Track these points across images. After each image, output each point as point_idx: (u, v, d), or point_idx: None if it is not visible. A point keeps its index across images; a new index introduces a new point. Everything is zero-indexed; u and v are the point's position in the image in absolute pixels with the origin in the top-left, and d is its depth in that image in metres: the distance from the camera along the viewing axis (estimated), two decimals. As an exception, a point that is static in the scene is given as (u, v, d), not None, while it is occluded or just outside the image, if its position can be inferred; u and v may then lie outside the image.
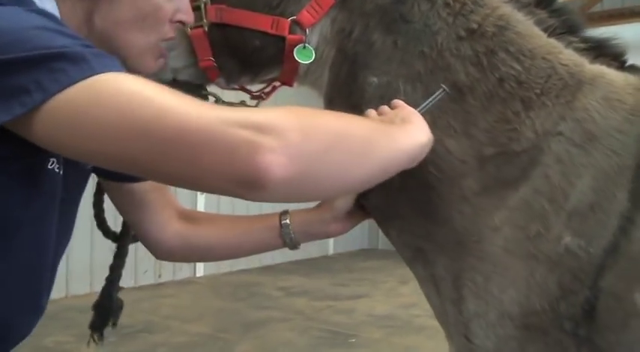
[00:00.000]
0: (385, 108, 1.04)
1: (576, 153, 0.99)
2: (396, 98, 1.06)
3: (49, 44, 0.75)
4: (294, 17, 1.12)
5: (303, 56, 1.13)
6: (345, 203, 1.19)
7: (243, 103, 1.26)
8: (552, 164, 1.00)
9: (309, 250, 8.40)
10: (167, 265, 6.75)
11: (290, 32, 1.12)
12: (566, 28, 1.12)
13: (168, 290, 6.36)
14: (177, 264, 6.89)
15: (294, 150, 0.71)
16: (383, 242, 9.95)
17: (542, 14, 1.12)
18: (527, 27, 1.09)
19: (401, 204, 1.11)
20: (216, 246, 1.27)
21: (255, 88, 1.32)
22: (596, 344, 0.92)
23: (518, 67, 1.05)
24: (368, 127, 0.87)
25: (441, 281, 1.09)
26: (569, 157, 0.99)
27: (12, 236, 0.91)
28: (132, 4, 0.96)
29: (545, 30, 1.10)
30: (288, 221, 1.22)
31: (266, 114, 0.73)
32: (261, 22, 1.13)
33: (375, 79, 1.09)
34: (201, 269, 7.17)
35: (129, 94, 0.73)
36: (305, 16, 1.12)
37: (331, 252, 9.24)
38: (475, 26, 1.07)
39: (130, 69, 1.00)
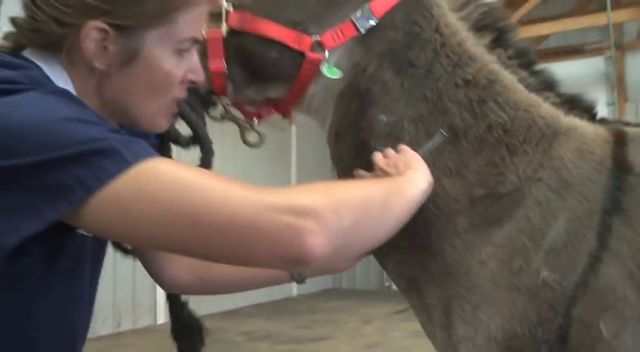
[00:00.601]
0: (390, 151, 1.14)
1: (553, 198, 1.12)
2: (402, 136, 1.18)
3: (81, 138, 0.78)
4: (318, 38, 1.18)
5: (332, 72, 1.19)
6: None
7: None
8: (533, 206, 1.12)
9: (272, 292, 8.33)
10: (127, 313, 6.60)
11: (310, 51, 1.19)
12: (543, 86, 1.25)
13: (128, 339, 6.21)
14: (137, 312, 6.74)
15: (330, 230, 0.79)
16: (347, 280, 9.95)
17: (524, 73, 1.25)
18: (512, 82, 1.22)
19: (401, 238, 1.18)
20: (229, 280, 1.30)
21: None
22: None
23: (505, 117, 1.17)
24: (383, 190, 0.98)
25: (433, 308, 1.19)
26: (547, 201, 1.12)
27: (42, 298, 0.93)
28: (143, 75, 0.97)
29: (526, 87, 1.24)
30: None
31: (302, 197, 0.82)
32: (285, 34, 1.18)
33: (384, 117, 1.19)
34: (162, 316, 7.01)
35: (171, 184, 0.79)
36: (328, 38, 1.19)
37: (295, 293, 9.18)
38: (470, 77, 1.19)
39: (145, 129, 1.05)
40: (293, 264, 0.80)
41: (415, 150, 1.14)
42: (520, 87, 1.23)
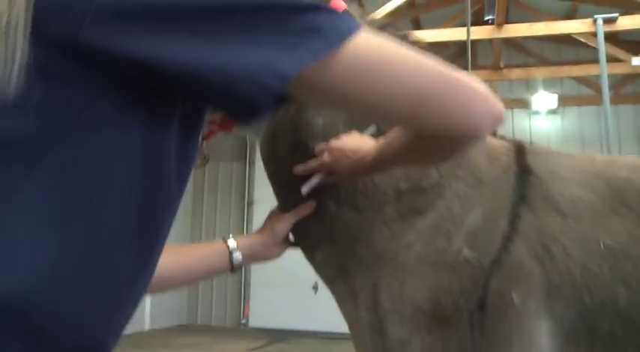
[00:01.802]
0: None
1: (470, 192, 1.28)
2: (337, 136, 1.29)
3: None
4: None
5: None
6: (284, 228, 1.34)
7: None
8: (453, 198, 1.27)
9: (122, 326, 7.91)
10: None
11: None
12: None
13: None
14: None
15: None
16: (202, 317, 9.71)
17: None
18: None
19: (335, 228, 1.31)
20: (174, 273, 1.27)
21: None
22: (485, 327, 1.17)
23: None
24: None
25: (360, 291, 1.28)
26: (465, 195, 1.27)
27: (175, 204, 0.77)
28: None
29: None
30: (235, 245, 1.31)
31: None
32: None
33: (320, 120, 1.32)
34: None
35: (395, 47, 0.75)
36: None
37: (147, 327, 8.80)
38: None
39: None
40: (496, 122, 0.84)
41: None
42: None
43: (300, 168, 1.31)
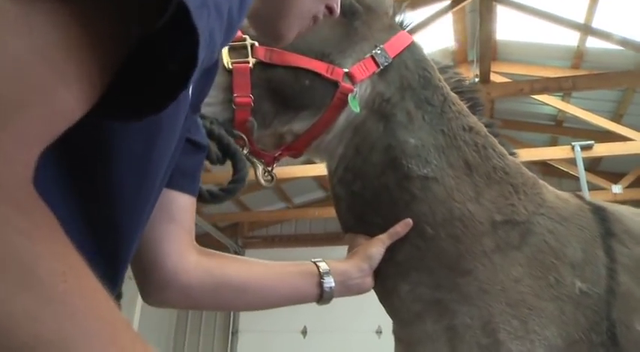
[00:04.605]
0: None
1: (559, 227, 1.26)
2: (429, 159, 1.25)
3: None
4: (348, 70, 1.24)
5: (355, 105, 1.23)
6: (379, 251, 1.22)
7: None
8: (546, 233, 1.25)
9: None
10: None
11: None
12: (509, 153, 1.42)
13: None
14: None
15: None
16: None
17: (495, 140, 1.40)
18: (495, 140, 1.39)
19: (429, 255, 1.23)
20: (249, 285, 1.09)
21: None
22: None
23: (502, 163, 1.33)
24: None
25: (466, 329, 1.18)
26: (555, 229, 1.26)
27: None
28: None
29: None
30: (327, 269, 1.17)
31: None
32: (316, 65, 1.21)
33: (412, 140, 1.26)
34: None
35: None
36: (357, 71, 1.25)
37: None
38: (473, 125, 1.34)
39: (274, 27, 0.91)
40: None
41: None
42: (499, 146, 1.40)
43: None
